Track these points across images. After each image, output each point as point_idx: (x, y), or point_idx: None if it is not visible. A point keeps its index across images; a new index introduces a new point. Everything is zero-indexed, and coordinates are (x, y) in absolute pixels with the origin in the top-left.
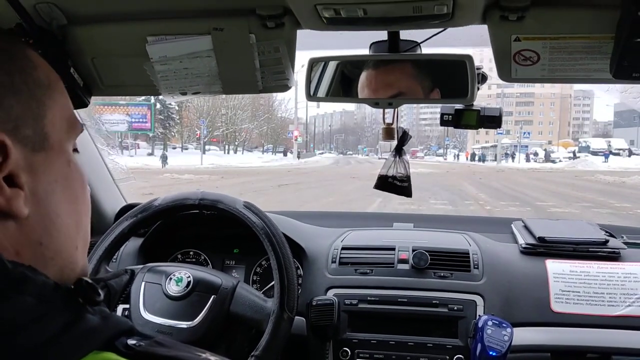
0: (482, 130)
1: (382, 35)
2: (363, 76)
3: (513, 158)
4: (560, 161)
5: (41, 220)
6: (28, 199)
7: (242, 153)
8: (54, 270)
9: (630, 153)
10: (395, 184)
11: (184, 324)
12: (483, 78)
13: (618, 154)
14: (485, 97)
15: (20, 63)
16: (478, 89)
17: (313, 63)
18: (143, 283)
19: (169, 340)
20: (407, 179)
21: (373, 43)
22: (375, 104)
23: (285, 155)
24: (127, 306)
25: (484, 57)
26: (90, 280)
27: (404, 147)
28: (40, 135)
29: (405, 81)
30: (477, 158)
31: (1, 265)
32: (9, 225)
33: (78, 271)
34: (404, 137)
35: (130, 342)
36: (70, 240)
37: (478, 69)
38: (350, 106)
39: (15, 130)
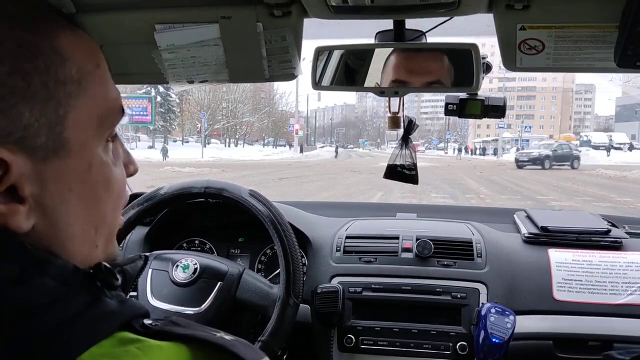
0: (483, 125)
1: (386, 25)
2: (395, 58)
3: (495, 153)
4: None
5: (50, 230)
6: (33, 210)
7: (243, 146)
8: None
9: (632, 147)
10: (404, 173)
11: (190, 310)
12: (487, 68)
13: (619, 149)
14: (486, 90)
15: (44, 60)
16: (482, 78)
17: (319, 52)
18: (150, 270)
19: (183, 320)
20: (414, 166)
21: (378, 32)
22: (380, 92)
23: (290, 147)
24: (134, 293)
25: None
26: (108, 265)
27: (409, 137)
28: (57, 142)
29: (441, 70)
30: (462, 151)
31: (22, 249)
32: None
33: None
34: (410, 126)
35: (147, 321)
36: (85, 243)
37: (483, 58)
38: (351, 100)
39: (22, 141)
